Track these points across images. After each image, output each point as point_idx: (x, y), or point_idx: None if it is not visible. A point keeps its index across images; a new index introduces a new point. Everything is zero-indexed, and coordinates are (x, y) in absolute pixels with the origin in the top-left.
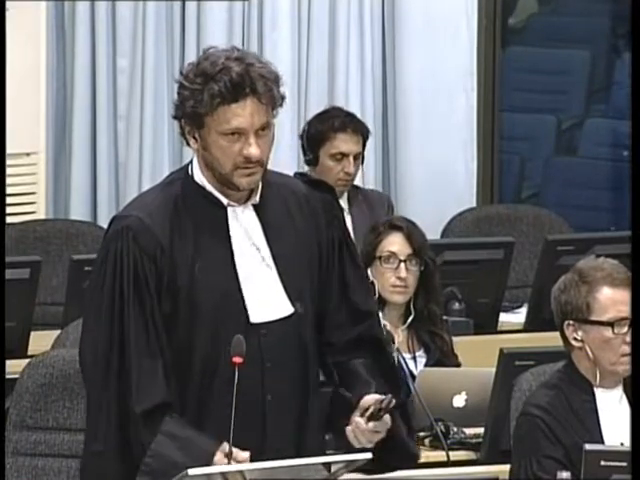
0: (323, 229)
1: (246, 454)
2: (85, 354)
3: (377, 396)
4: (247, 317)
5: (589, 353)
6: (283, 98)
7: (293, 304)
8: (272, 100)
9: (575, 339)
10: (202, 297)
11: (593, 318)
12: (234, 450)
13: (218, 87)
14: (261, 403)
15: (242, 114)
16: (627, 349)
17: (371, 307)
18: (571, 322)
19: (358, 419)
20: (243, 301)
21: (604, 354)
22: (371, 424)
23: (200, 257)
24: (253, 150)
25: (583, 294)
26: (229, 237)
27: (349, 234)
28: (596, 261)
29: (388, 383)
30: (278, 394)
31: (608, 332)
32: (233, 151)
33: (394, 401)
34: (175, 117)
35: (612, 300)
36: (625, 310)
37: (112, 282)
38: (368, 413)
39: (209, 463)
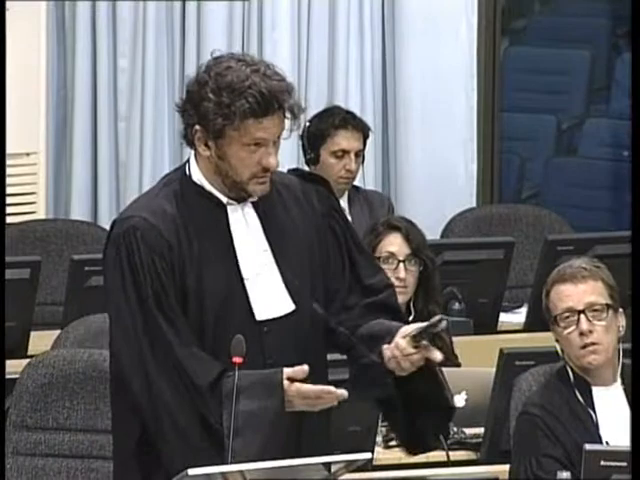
0: (320, 220)
1: (305, 367)
2: (122, 363)
3: (420, 324)
4: (252, 315)
5: (560, 353)
6: (300, 108)
7: (294, 300)
8: (293, 113)
9: (557, 340)
10: (208, 296)
11: (552, 317)
12: (291, 370)
13: (249, 104)
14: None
15: (266, 127)
16: (581, 341)
17: (382, 282)
18: (550, 325)
19: (400, 340)
20: (248, 299)
21: (568, 350)
22: (412, 348)
23: (204, 256)
24: (272, 160)
25: (544, 297)
26: (231, 235)
27: (348, 221)
28: (564, 263)
29: None
30: None
31: (559, 328)
32: (252, 161)
33: (444, 322)
34: (187, 124)
35: (558, 296)
36: (571, 301)
37: (132, 286)
38: (413, 332)
39: (283, 393)
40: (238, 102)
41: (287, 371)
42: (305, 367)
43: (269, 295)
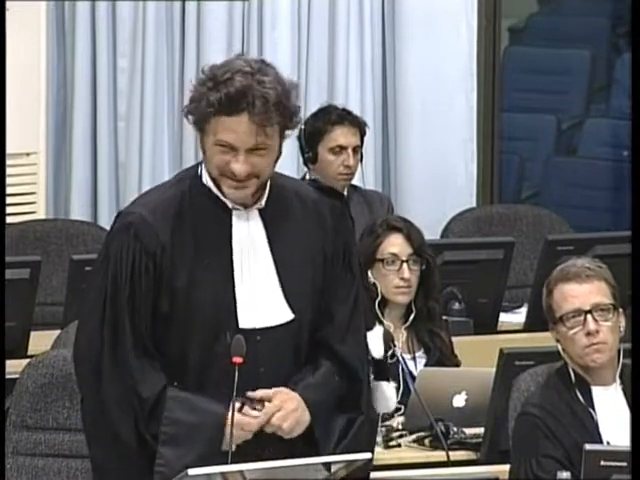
0: (330, 236)
1: (255, 413)
2: (78, 354)
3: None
4: (237, 322)
5: (562, 352)
6: (286, 120)
7: (293, 311)
8: (268, 122)
9: (557, 340)
10: (197, 299)
11: (556, 317)
12: (245, 408)
13: (214, 98)
14: (233, 405)
15: (234, 130)
16: (587, 341)
17: (340, 315)
18: (550, 325)
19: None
20: (235, 306)
21: (571, 350)
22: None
23: (200, 259)
24: (237, 167)
25: (546, 296)
26: (231, 240)
27: (354, 244)
28: (566, 262)
29: (345, 390)
30: None
31: (564, 328)
32: (222, 161)
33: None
34: (185, 114)
35: (563, 296)
36: (578, 301)
37: (110, 280)
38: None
39: (222, 424)
40: (212, 94)
41: (243, 404)
42: (256, 413)
43: (265, 303)
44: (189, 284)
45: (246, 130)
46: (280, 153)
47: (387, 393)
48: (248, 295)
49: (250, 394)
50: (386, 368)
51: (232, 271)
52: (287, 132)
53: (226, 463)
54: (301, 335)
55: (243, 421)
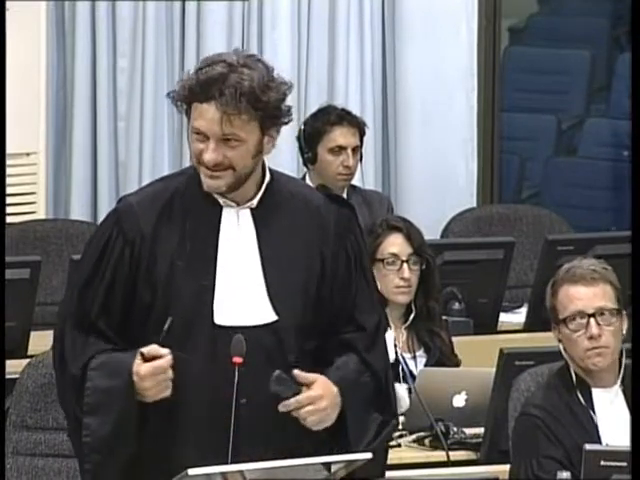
0: (331, 242)
1: (165, 350)
2: (58, 323)
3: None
4: (212, 317)
5: (563, 352)
6: (262, 114)
7: (277, 312)
8: (237, 111)
9: (559, 340)
10: (177, 291)
11: (559, 318)
12: (153, 347)
13: (190, 84)
14: (234, 406)
15: (204, 117)
16: (589, 344)
17: (369, 325)
18: (553, 325)
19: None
20: (212, 301)
21: (573, 352)
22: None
23: (183, 251)
24: (207, 156)
25: (550, 296)
26: (218, 237)
27: (364, 252)
28: (572, 262)
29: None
30: (254, 398)
31: (567, 330)
32: (197, 149)
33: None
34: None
35: (568, 297)
36: (582, 304)
37: (82, 264)
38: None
39: (130, 376)
40: (190, 80)
41: (143, 350)
42: (165, 350)
43: (247, 302)
44: (169, 275)
45: (214, 118)
46: (262, 148)
47: (400, 393)
48: (229, 292)
49: (296, 372)
50: (397, 370)
51: (215, 267)
52: (271, 129)
53: (226, 460)
54: (286, 337)
55: (155, 366)
